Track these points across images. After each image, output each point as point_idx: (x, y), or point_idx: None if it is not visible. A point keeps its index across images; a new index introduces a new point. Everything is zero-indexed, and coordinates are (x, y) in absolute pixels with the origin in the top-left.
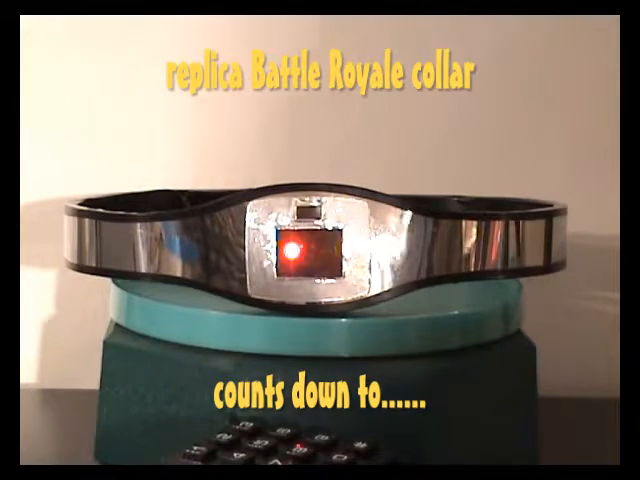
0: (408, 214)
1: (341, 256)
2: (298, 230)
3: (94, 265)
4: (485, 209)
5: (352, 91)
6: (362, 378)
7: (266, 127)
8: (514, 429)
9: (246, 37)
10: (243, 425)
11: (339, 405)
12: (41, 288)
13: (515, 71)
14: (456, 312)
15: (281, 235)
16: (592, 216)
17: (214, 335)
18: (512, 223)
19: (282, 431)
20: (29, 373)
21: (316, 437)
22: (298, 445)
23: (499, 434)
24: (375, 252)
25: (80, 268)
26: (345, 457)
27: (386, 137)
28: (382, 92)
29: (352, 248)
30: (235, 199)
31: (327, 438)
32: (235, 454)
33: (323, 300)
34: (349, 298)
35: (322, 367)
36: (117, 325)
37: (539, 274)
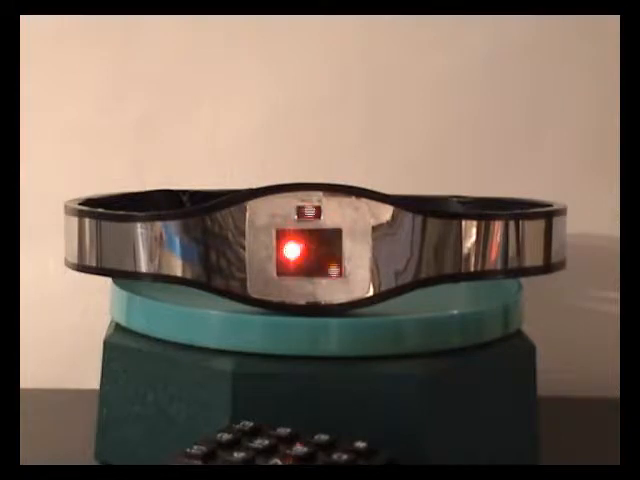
0: (408, 214)
1: (341, 256)
2: (298, 230)
3: (94, 265)
4: (485, 209)
5: (353, 92)
6: (362, 378)
7: (266, 127)
8: (514, 429)
9: (248, 37)
10: (243, 425)
11: (339, 404)
12: (41, 288)
13: (515, 71)
14: (456, 312)
15: (281, 235)
16: (592, 216)
17: (214, 335)
18: (512, 223)
19: (282, 431)
20: (29, 373)
21: (316, 437)
22: (298, 445)
23: (499, 434)
24: (375, 252)
25: (80, 268)
26: (345, 457)
27: (386, 137)
28: (382, 92)
29: (352, 248)
30: (235, 199)
31: (327, 438)
32: (235, 454)
33: (323, 300)
34: (349, 298)
35: (322, 367)
36: (117, 325)
37: (539, 274)
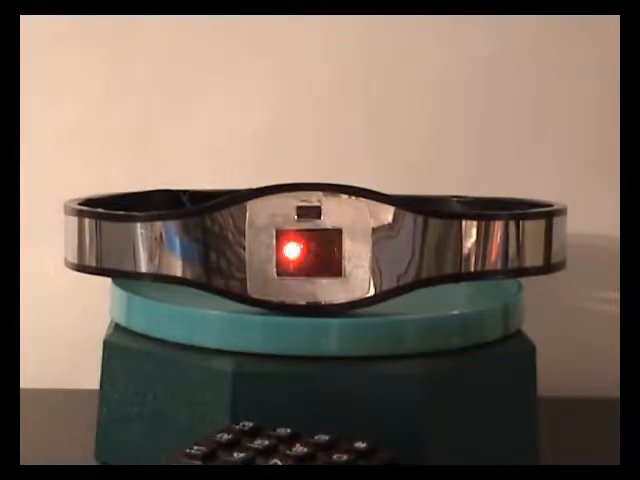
0: (408, 214)
1: (341, 256)
2: (298, 230)
3: (94, 265)
4: (485, 209)
5: (353, 92)
6: (362, 378)
7: (266, 127)
8: (514, 429)
9: (248, 37)
10: (243, 425)
11: (339, 404)
12: (41, 288)
13: (515, 71)
14: (456, 312)
15: (281, 235)
16: (592, 216)
17: (214, 335)
18: (512, 223)
19: (282, 431)
20: (29, 373)
21: (316, 437)
22: (298, 445)
23: (499, 434)
24: (375, 252)
25: (80, 268)
26: (345, 457)
27: (386, 137)
28: (382, 92)
29: (352, 248)
30: (235, 199)
31: (327, 438)
32: (235, 454)
33: (323, 300)
34: (349, 298)
35: (322, 367)
36: (117, 325)
37: (539, 274)
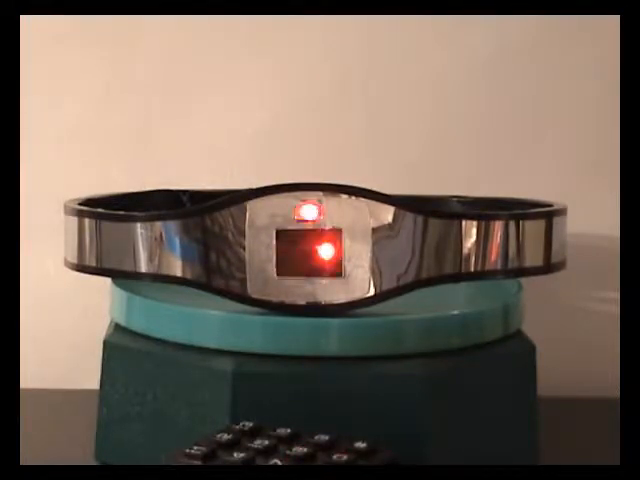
0: (408, 214)
1: (341, 256)
2: (298, 230)
3: (94, 265)
4: (485, 209)
5: (353, 92)
6: (362, 378)
7: (266, 127)
8: (514, 429)
9: (248, 37)
10: (243, 425)
11: (339, 404)
12: (41, 288)
13: (515, 71)
14: (456, 312)
15: (281, 235)
16: (592, 216)
17: (214, 335)
18: (512, 223)
19: (282, 431)
20: (29, 373)
21: (316, 437)
22: (298, 445)
23: (499, 434)
24: (375, 252)
25: (80, 268)
26: (345, 457)
27: (386, 137)
28: (382, 92)
29: (352, 248)
30: (235, 199)
31: (327, 438)
32: (235, 454)
33: (323, 300)
34: (349, 298)
35: (322, 367)
36: (117, 325)
37: (539, 274)
